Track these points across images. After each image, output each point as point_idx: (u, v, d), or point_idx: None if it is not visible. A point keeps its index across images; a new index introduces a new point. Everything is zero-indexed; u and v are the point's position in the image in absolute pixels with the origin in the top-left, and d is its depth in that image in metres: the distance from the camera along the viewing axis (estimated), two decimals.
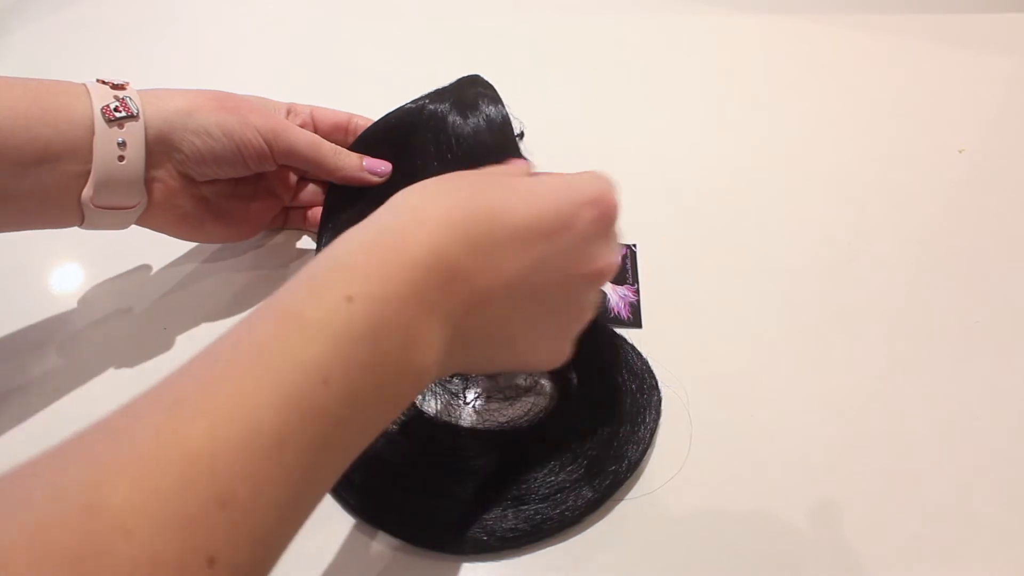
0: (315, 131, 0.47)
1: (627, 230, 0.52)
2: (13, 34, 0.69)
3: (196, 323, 0.45)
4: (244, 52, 0.66)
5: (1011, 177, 0.57)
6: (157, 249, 0.49)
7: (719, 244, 0.51)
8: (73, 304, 0.46)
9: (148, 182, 0.39)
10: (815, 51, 0.71)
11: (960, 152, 0.59)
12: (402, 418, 0.40)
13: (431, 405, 0.41)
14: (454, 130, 0.45)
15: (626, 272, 0.49)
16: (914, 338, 0.46)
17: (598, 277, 0.32)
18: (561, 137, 0.58)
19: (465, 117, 0.46)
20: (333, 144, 0.45)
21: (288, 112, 0.47)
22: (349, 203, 0.46)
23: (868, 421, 0.41)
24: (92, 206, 0.38)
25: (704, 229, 0.52)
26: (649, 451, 0.39)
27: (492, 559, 0.36)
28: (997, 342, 0.46)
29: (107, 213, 0.39)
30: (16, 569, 0.17)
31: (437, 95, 0.48)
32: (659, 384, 0.41)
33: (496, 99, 0.48)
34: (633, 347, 0.43)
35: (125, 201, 0.39)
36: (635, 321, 0.46)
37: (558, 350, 0.34)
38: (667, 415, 0.41)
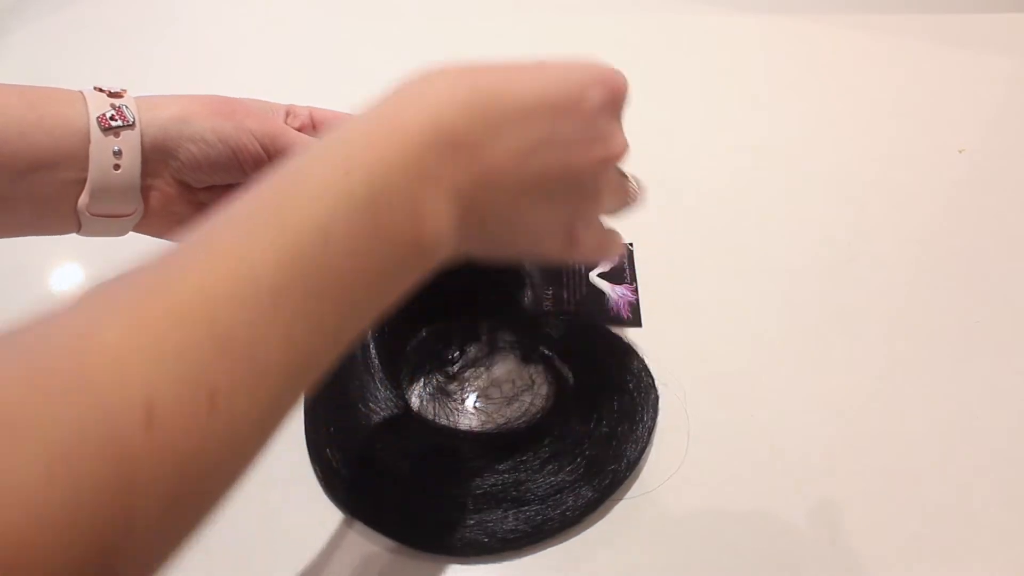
0: (314, 132, 0.46)
1: (627, 229, 0.52)
2: (13, 34, 0.69)
3: None
4: (244, 52, 0.66)
5: (1011, 177, 0.57)
6: (157, 249, 0.49)
7: (719, 244, 0.51)
8: None
9: (145, 190, 0.39)
10: (815, 51, 0.71)
11: (960, 152, 0.59)
12: (394, 412, 0.40)
13: (429, 409, 0.41)
14: None
15: (624, 271, 0.49)
16: (914, 338, 0.46)
17: (609, 159, 0.32)
18: None
19: None
20: None
21: (287, 114, 0.46)
22: None
23: (868, 421, 0.41)
24: (88, 214, 0.38)
25: (704, 229, 0.52)
26: (647, 450, 0.39)
27: (492, 560, 0.36)
28: (997, 342, 0.46)
29: (104, 221, 0.39)
30: (8, 400, 0.17)
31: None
32: (656, 383, 0.41)
33: None
34: (630, 346, 0.43)
35: (121, 209, 0.39)
36: (635, 320, 0.46)
37: (569, 237, 0.33)
38: (666, 415, 0.41)
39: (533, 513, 0.36)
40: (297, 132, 0.43)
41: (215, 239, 0.23)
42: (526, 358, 0.43)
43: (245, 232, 0.23)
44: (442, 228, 0.27)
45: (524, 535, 0.36)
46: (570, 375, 0.42)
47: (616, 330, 0.45)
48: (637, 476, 0.39)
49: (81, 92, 0.38)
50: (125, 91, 0.39)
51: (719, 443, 0.40)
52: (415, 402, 0.41)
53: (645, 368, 0.42)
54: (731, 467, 0.39)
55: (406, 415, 0.40)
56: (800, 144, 0.60)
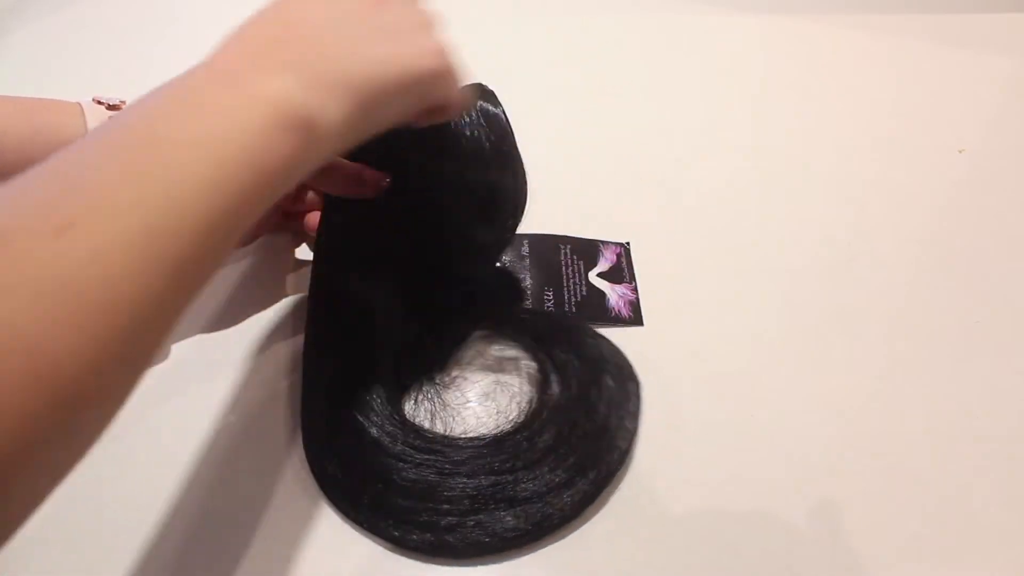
0: None
1: (627, 229, 0.52)
2: (13, 34, 0.69)
3: (193, 326, 0.45)
4: None
5: (1011, 177, 0.57)
6: None
7: (719, 244, 0.51)
8: None
9: None
10: (815, 51, 0.71)
11: (960, 152, 0.59)
12: (389, 420, 0.40)
13: (423, 415, 0.41)
14: (456, 139, 0.44)
15: (623, 270, 0.49)
16: (914, 338, 0.46)
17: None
18: (561, 137, 0.58)
19: (470, 126, 0.44)
20: (337, 157, 0.45)
21: None
22: (345, 208, 0.46)
23: (868, 421, 0.41)
24: None
25: (704, 229, 0.52)
26: (635, 440, 0.39)
27: (493, 561, 0.36)
28: (997, 342, 0.46)
29: None
30: None
31: None
32: (636, 372, 0.41)
33: (496, 103, 0.47)
34: (605, 338, 0.43)
35: None
36: (636, 319, 0.46)
37: (424, 46, 0.31)
38: (667, 414, 0.41)
39: (533, 511, 0.36)
40: None
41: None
42: (512, 360, 0.43)
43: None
44: (278, 83, 0.27)
45: (524, 533, 0.36)
46: (554, 378, 0.42)
47: (620, 329, 0.45)
48: (639, 477, 0.39)
49: (79, 104, 0.38)
50: (124, 103, 0.39)
51: (719, 443, 0.40)
52: (408, 410, 0.41)
53: (623, 359, 0.42)
54: (731, 467, 0.39)
55: (400, 423, 0.40)
56: (800, 144, 0.60)
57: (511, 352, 0.44)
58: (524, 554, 0.36)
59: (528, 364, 0.43)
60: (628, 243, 0.51)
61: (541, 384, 0.42)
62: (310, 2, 0.29)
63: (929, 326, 0.47)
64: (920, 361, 0.45)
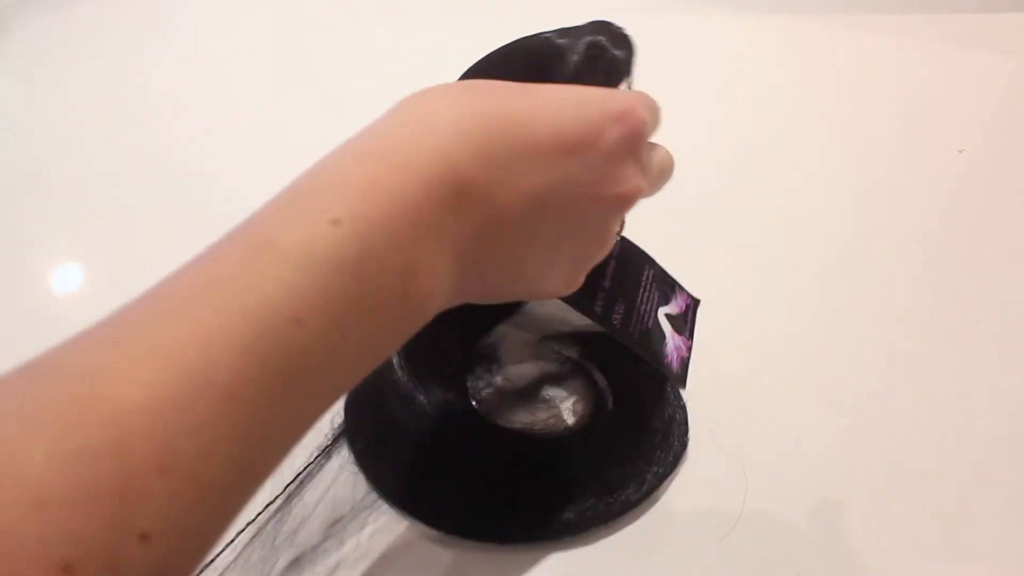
0: None
1: (626, 228, 0.52)
2: (13, 34, 0.69)
3: None
4: (244, 52, 0.66)
5: (1011, 177, 0.57)
6: (157, 249, 0.49)
7: (719, 244, 0.51)
8: (73, 304, 0.46)
9: None
10: (815, 51, 0.71)
11: (960, 152, 0.59)
12: (453, 411, 0.39)
13: (485, 407, 0.41)
14: (571, 75, 0.37)
15: (686, 322, 0.45)
16: (914, 338, 0.46)
17: (621, 202, 0.29)
18: None
19: (593, 64, 0.38)
20: None
21: None
22: None
23: (868, 421, 0.41)
24: None
25: (704, 229, 0.52)
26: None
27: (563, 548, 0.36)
28: (997, 342, 0.46)
29: None
30: None
31: (567, 32, 0.40)
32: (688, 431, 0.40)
33: (631, 50, 0.41)
34: (675, 390, 0.42)
35: None
36: (681, 378, 0.43)
37: (571, 278, 0.31)
38: None
39: (612, 498, 0.37)
40: None
41: (160, 327, 0.19)
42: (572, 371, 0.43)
43: (208, 315, 0.19)
44: (437, 284, 0.24)
45: (608, 510, 0.36)
46: (610, 399, 0.41)
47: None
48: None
49: None
50: None
51: (719, 443, 0.40)
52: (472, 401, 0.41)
53: (684, 419, 0.41)
54: (732, 468, 0.39)
55: (466, 414, 0.40)
56: (800, 144, 0.60)
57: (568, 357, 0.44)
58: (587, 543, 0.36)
59: (585, 376, 0.43)
60: (699, 300, 0.46)
61: (591, 403, 0.42)
62: (511, 173, 0.25)
63: (929, 326, 0.47)
64: (920, 361, 0.45)
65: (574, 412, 0.41)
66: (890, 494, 0.38)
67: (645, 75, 0.70)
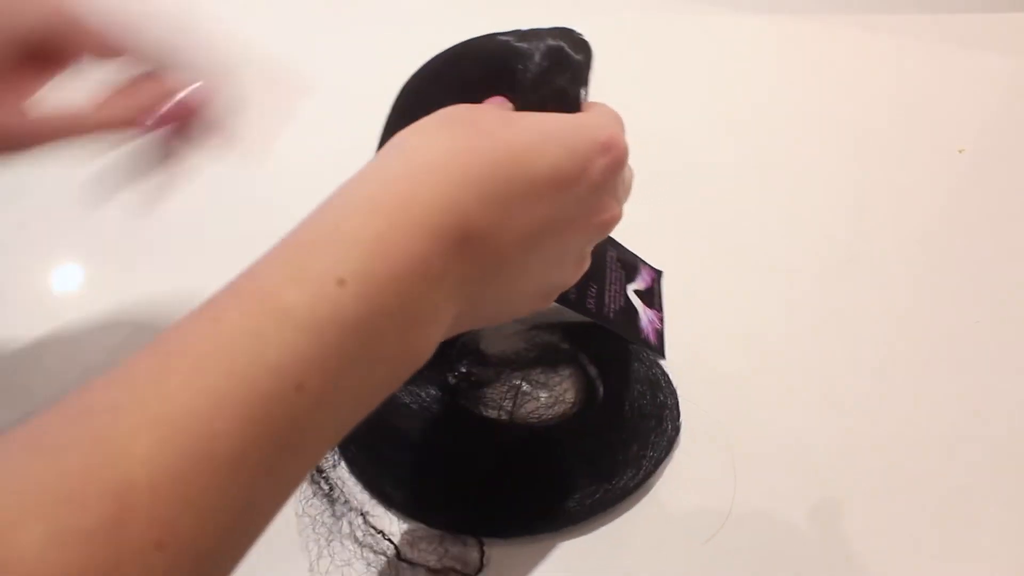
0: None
1: (625, 228, 0.52)
2: None
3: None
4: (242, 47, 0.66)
5: (1011, 177, 0.57)
6: (158, 249, 0.49)
7: (719, 244, 0.51)
8: (73, 304, 0.46)
9: None
10: (815, 51, 0.71)
11: (960, 152, 0.59)
12: (442, 408, 0.40)
13: (472, 401, 0.41)
14: (535, 79, 0.36)
15: (654, 296, 0.47)
16: (914, 338, 0.46)
17: (604, 228, 0.30)
18: None
19: (560, 67, 0.37)
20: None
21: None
22: None
23: (868, 421, 0.41)
24: None
25: (704, 228, 0.52)
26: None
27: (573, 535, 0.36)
28: (997, 342, 0.46)
29: None
30: None
31: (525, 35, 0.40)
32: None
33: (589, 55, 0.39)
34: (666, 376, 0.42)
35: None
36: (659, 349, 0.44)
37: (547, 298, 0.32)
38: None
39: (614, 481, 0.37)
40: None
41: (161, 393, 0.18)
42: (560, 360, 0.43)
43: (209, 382, 0.18)
44: (438, 331, 0.24)
45: (608, 495, 0.37)
46: (600, 387, 0.42)
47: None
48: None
49: None
50: None
51: (718, 443, 0.40)
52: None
53: (675, 404, 0.41)
54: (731, 468, 0.39)
55: (455, 410, 0.40)
56: (800, 144, 0.60)
57: (554, 344, 0.44)
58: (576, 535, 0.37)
59: (573, 362, 0.43)
60: (661, 272, 0.49)
61: (582, 393, 0.42)
62: (505, 205, 0.25)
63: (929, 326, 0.47)
64: (920, 361, 0.45)
65: (565, 402, 0.41)
66: (890, 494, 0.38)
67: (646, 75, 0.70)
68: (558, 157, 0.26)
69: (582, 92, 0.36)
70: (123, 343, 0.44)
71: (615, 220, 0.31)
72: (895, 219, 0.53)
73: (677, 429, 0.40)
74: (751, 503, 0.38)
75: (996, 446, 0.41)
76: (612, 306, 0.43)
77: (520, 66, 0.36)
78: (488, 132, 0.26)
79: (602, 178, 0.28)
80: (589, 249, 0.32)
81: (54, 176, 0.54)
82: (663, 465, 0.39)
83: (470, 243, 0.24)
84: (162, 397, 0.18)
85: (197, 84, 0.35)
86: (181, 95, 0.34)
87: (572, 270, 0.31)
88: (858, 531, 0.37)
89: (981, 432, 0.41)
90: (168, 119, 0.35)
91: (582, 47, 0.39)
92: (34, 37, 0.32)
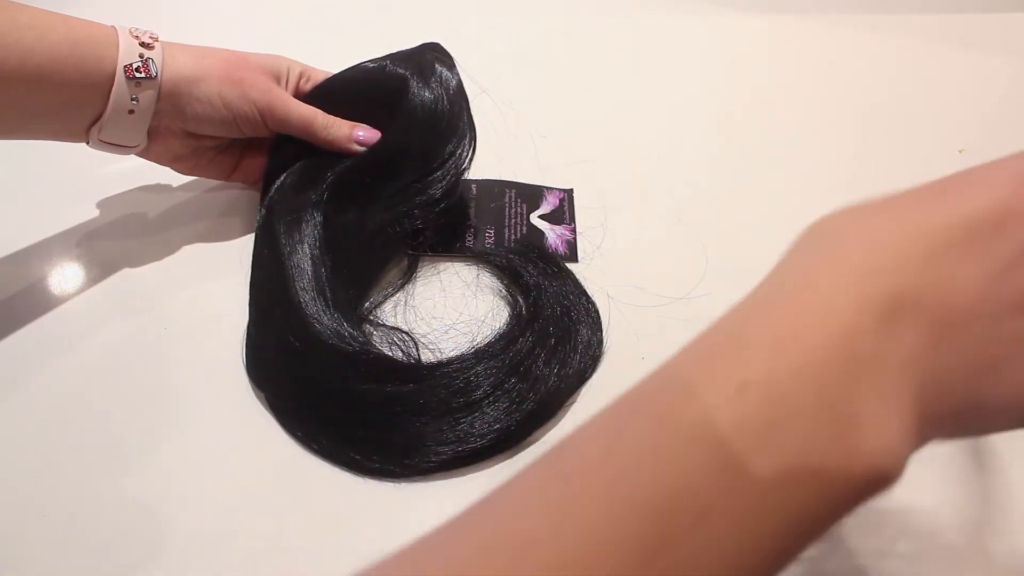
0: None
1: (623, 226, 0.52)
2: None
3: (197, 323, 0.45)
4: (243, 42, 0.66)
5: None
6: (158, 250, 0.49)
7: (719, 244, 0.51)
8: (73, 304, 0.46)
9: (151, 129, 0.44)
10: (815, 51, 0.71)
11: (960, 152, 0.59)
12: (352, 346, 0.40)
13: (384, 343, 0.43)
14: (413, 94, 0.48)
15: (564, 213, 0.53)
16: None
17: None
18: (561, 137, 0.58)
19: (426, 81, 0.48)
20: (326, 117, 0.48)
21: (300, 76, 0.50)
22: (290, 161, 0.48)
23: None
24: (97, 139, 0.43)
25: (704, 228, 0.52)
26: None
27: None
28: None
29: (109, 146, 0.44)
30: None
31: (398, 58, 0.50)
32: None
33: (452, 66, 0.50)
34: (586, 295, 0.46)
35: (127, 141, 0.44)
36: (571, 256, 0.50)
37: None
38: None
39: (530, 399, 0.39)
40: (295, 104, 0.47)
41: (534, 518, 0.19)
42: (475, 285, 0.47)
43: (590, 516, 0.19)
44: (888, 431, 0.19)
45: (529, 417, 0.39)
46: (521, 300, 0.45)
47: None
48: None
49: (116, 33, 0.42)
50: (156, 40, 0.43)
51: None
52: (374, 337, 0.43)
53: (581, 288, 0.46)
54: None
55: (364, 349, 0.41)
56: (800, 144, 0.60)
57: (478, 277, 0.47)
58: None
59: (494, 285, 0.46)
60: (571, 189, 0.54)
61: (508, 309, 0.45)
62: (964, 265, 0.21)
63: None
64: None
65: (490, 329, 0.43)
66: (890, 493, 0.38)
67: (646, 75, 0.70)
68: (976, 199, 0.23)
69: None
70: (123, 343, 0.44)
71: None
72: None
73: (600, 341, 0.43)
74: None
75: (996, 446, 0.41)
76: (512, 237, 0.50)
77: (406, 87, 0.47)
78: (899, 201, 0.24)
79: None
80: None
81: (55, 176, 0.54)
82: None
83: (905, 310, 0.20)
84: (534, 525, 0.19)
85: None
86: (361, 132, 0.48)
87: None
88: (855, 531, 0.37)
89: None
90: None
91: (449, 60, 0.50)
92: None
